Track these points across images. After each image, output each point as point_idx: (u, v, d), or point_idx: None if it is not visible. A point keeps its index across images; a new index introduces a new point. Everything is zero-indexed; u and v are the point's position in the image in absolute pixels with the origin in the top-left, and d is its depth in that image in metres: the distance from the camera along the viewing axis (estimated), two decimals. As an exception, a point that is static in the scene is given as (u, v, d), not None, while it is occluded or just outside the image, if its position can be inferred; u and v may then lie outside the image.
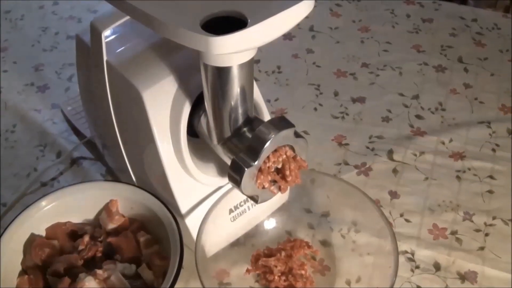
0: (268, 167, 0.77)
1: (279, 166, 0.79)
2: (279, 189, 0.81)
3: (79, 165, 1.16)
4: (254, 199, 0.80)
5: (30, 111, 1.28)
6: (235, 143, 0.80)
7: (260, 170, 0.77)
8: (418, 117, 1.23)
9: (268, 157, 0.76)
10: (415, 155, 1.15)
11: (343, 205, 0.99)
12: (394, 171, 1.12)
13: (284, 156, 0.78)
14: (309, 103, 1.27)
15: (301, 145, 0.80)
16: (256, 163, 0.75)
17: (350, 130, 1.20)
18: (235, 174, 0.76)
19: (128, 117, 0.89)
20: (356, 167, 1.13)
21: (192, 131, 0.87)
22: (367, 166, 1.13)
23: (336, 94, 1.29)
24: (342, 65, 1.36)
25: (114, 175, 1.11)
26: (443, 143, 1.17)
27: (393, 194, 1.08)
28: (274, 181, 0.80)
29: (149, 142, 0.84)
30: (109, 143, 1.01)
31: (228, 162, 0.80)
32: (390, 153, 1.15)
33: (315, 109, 1.26)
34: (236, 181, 0.76)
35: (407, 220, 1.03)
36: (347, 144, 1.17)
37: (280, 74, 1.35)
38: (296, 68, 1.37)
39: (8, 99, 1.31)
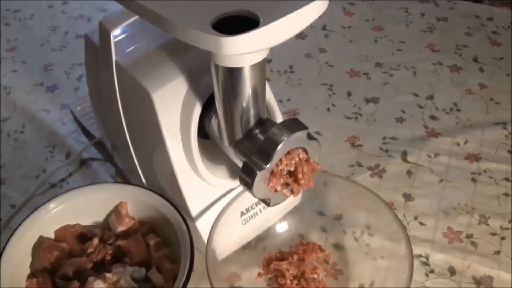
0: (281, 170, 0.75)
1: (292, 169, 0.77)
2: (292, 192, 0.79)
3: (88, 166, 1.15)
4: (266, 202, 0.79)
5: (39, 111, 1.28)
6: (246, 145, 0.78)
7: (272, 173, 0.75)
8: (433, 117, 1.21)
9: (280, 159, 0.75)
10: (430, 156, 1.12)
11: (356, 208, 0.97)
12: (408, 173, 1.10)
13: (297, 159, 0.76)
14: (322, 103, 1.25)
15: (314, 147, 0.78)
16: (268, 166, 0.73)
17: (363, 131, 1.19)
18: (246, 177, 0.74)
19: (137, 118, 0.88)
20: (369, 168, 1.11)
21: (203, 133, 0.85)
22: (381, 168, 1.11)
23: (349, 94, 1.27)
24: (355, 65, 1.35)
25: (123, 176, 1.10)
26: (458, 144, 1.15)
27: (407, 197, 1.06)
28: (286, 184, 0.78)
29: (159, 144, 0.83)
30: (119, 144, 0.99)
31: (240, 164, 0.78)
32: (404, 154, 1.13)
33: (328, 109, 1.24)
34: (248, 184, 0.75)
35: (421, 223, 1.02)
36: (360, 145, 1.16)
37: (293, 73, 1.33)
38: (308, 67, 1.35)
39: (17, 99, 1.30)
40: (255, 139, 0.78)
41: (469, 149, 1.14)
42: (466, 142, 1.15)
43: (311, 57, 1.38)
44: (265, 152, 0.73)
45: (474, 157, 1.12)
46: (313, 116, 1.22)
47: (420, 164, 1.11)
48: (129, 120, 0.89)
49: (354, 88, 1.28)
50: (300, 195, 0.81)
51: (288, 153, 0.75)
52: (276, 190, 0.77)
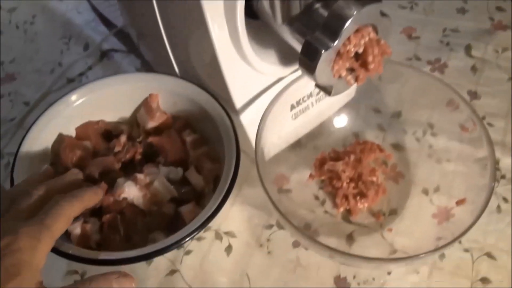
0: (348, 50, 0.63)
1: (360, 50, 0.65)
2: (356, 79, 0.68)
3: (109, 58, 1.04)
4: (327, 90, 0.67)
5: (51, 0, 1.15)
6: (305, 23, 0.66)
7: (338, 54, 0.63)
8: (499, 9, 1.06)
9: (349, 38, 0.63)
10: (497, 51, 1.00)
11: (417, 104, 0.86)
12: (473, 68, 0.97)
13: (367, 38, 0.64)
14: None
15: (385, 26, 0.66)
16: (335, 44, 0.61)
17: (420, 22, 1.05)
18: (308, 58, 0.63)
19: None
20: (429, 63, 0.99)
21: (250, 11, 0.71)
22: (442, 62, 0.98)
23: (402, -18, 1.12)
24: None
25: (151, 69, 0.98)
26: (528, 37, 1.02)
27: (473, 95, 0.94)
28: (351, 70, 0.66)
29: (199, 25, 0.69)
30: (147, 31, 0.87)
31: (296, 46, 0.68)
32: (468, 48, 1.00)
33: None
34: (310, 67, 0.63)
35: (490, 124, 0.90)
36: (417, 38, 1.03)
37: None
38: None
39: (25, -13, 1.18)
40: (316, 15, 0.66)
41: (541, 43, 1.01)
42: (537, 35, 1.02)
43: None
44: (332, 28, 0.61)
45: (547, 52, 1.00)
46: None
47: (487, 60, 0.99)
48: (163, 1, 0.75)
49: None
50: (354, 88, 0.70)
51: (358, 30, 0.63)
52: (340, 76, 0.65)
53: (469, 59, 0.99)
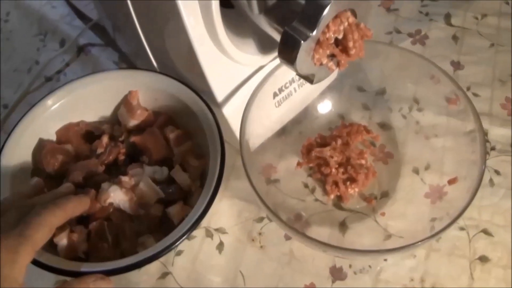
0: (327, 38, 0.62)
1: (340, 36, 0.63)
2: (338, 65, 0.66)
3: (87, 53, 1.02)
4: (309, 79, 0.66)
5: (24, -5, 1.12)
6: (283, 12, 0.65)
7: (318, 42, 0.62)
8: (475, -27, 1.05)
9: (327, 25, 0.61)
10: (477, 18, 0.98)
11: (401, 79, 0.85)
12: (454, 38, 0.96)
13: (346, 24, 0.62)
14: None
15: (364, 9, 0.64)
16: (314, 33, 0.59)
17: (398, -7, 1.04)
18: (288, 49, 0.61)
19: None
20: (410, 35, 0.97)
21: (225, 1, 0.69)
22: (423, 33, 0.97)
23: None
24: None
25: (129, 62, 0.97)
26: (508, 3, 1.00)
27: (456, 65, 0.93)
28: (332, 56, 0.65)
29: (173, 16, 0.67)
30: (121, 23, 0.85)
31: (274, 35, 0.66)
32: (447, 17, 0.99)
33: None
34: (290, 58, 0.61)
35: (475, 94, 0.89)
36: (396, 9, 1.01)
37: None
38: None
39: (-3, -17, 1.15)
40: (293, 3, 0.64)
41: (521, 6, 1.00)
42: (516, -1, 1.01)
43: None
44: (309, 16, 0.60)
45: (528, 14, 0.98)
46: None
47: (467, 28, 0.97)
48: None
49: None
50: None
51: (336, 17, 0.61)
52: (321, 64, 0.64)
53: (450, 28, 0.98)
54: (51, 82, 0.98)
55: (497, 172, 0.80)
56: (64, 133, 0.79)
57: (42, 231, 0.57)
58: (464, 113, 0.74)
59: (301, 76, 0.65)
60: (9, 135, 0.73)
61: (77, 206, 0.65)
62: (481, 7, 1.00)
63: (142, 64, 0.88)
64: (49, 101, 0.77)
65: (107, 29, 0.97)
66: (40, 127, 0.77)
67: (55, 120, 0.78)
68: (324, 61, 0.64)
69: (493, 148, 0.83)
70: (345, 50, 0.64)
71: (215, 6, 0.65)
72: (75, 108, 0.79)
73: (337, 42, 0.64)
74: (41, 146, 0.76)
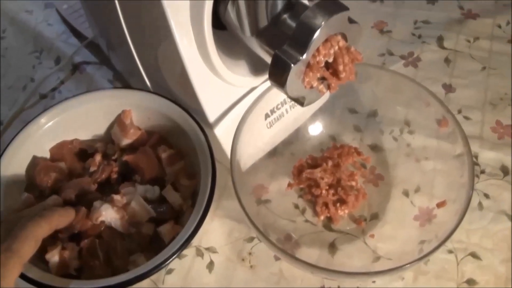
0: (318, 61, 0.63)
1: (330, 60, 0.64)
2: (329, 87, 0.67)
3: (82, 72, 1.02)
4: (299, 101, 0.67)
5: (20, 12, 1.13)
6: (274, 34, 0.66)
7: (308, 65, 0.63)
8: (468, -4, 1.07)
9: (317, 49, 0.62)
10: (469, 41, 0.99)
11: (392, 102, 0.85)
12: (446, 60, 0.97)
13: (337, 48, 0.63)
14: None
15: (355, 33, 0.65)
16: (304, 57, 0.61)
17: (391, 15, 1.05)
18: (278, 72, 0.62)
19: (137, 8, 0.72)
20: (402, 57, 0.98)
21: (218, 23, 0.70)
22: (415, 56, 0.98)
23: (371, -25, 1.12)
24: None
25: (123, 80, 0.98)
26: (500, 26, 1.01)
27: (448, 88, 0.93)
28: (322, 78, 0.66)
29: (165, 37, 0.68)
30: (116, 42, 0.86)
31: (265, 57, 0.67)
32: (440, 40, 1.00)
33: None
34: (280, 81, 0.62)
35: (466, 117, 0.90)
36: (389, 31, 1.02)
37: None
38: None
39: (-6, 0, 1.16)
40: (284, 26, 0.65)
41: (513, 31, 1.01)
42: (508, 23, 1.02)
43: None
44: (300, 40, 0.61)
45: (520, 39, 0.99)
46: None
47: (459, 50, 0.98)
48: (127, 12, 0.74)
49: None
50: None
51: (326, 40, 0.62)
52: (312, 87, 0.65)
53: (442, 50, 0.99)
54: (46, 100, 0.99)
55: (486, 196, 0.81)
56: (58, 151, 0.79)
57: (28, 244, 0.57)
58: (453, 136, 0.75)
59: (292, 98, 0.66)
60: (3, 152, 0.74)
61: (62, 217, 0.65)
62: (474, 30, 1.01)
63: (136, 83, 0.89)
64: (43, 119, 0.78)
65: (102, 48, 0.97)
66: (34, 145, 0.77)
67: (49, 137, 0.79)
68: (315, 84, 0.65)
69: (482, 172, 0.84)
70: (335, 74, 0.65)
71: (208, 27, 0.66)
72: (69, 126, 0.80)
73: (327, 65, 0.65)
74: (35, 163, 0.77)
